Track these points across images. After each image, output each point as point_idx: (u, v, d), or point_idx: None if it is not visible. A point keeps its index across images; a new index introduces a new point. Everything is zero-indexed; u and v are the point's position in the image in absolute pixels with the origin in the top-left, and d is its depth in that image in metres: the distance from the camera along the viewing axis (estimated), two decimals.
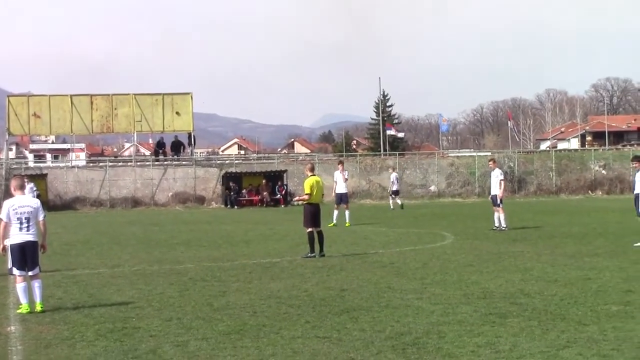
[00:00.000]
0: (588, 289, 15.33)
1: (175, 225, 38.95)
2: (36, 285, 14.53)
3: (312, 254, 22.39)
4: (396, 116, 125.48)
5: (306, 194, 23.03)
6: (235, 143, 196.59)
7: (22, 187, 15.15)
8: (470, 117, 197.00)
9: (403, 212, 44.93)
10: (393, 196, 49.86)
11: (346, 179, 36.66)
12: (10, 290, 16.87)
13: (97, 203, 60.54)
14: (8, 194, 18.47)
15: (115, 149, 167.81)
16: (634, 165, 25.10)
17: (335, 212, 35.46)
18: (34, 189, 50.66)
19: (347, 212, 35.55)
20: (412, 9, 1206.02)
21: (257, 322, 12.87)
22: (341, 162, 39.11)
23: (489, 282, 16.56)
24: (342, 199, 35.90)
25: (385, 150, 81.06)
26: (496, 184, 30.84)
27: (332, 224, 34.17)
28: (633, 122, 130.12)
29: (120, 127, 65.58)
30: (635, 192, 24.37)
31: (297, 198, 27.46)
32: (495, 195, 30.62)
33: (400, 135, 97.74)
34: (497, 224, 30.44)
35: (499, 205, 30.44)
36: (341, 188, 35.96)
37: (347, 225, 34.48)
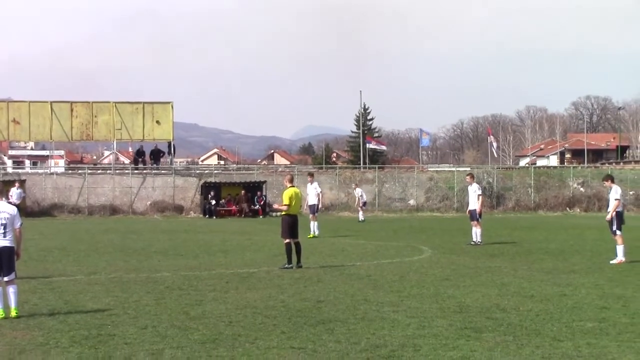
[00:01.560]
0: (564, 305, 15.39)
1: (153, 234, 38.83)
2: (11, 290, 14.44)
3: (290, 265, 22.38)
4: (377, 129, 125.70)
5: (285, 205, 23.05)
6: (215, 153, 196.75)
7: (0, 193, 15.06)
8: (451, 132, 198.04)
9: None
10: (363, 208, 51.64)
11: (318, 194, 37.19)
12: None
13: (75, 210, 60.38)
14: None
15: (94, 157, 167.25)
16: (606, 184, 25.27)
17: (312, 223, 35.83)
18: (23, 195, 50.93)
19: (315, 223, 36.14)
20: (394, 25, 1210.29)
21: (233, 332, 12.84)
22: (311, 174, 39.79)
23: (465, 297, 16.59)
24: (312, 209, 36.70)
25: (365, 163, 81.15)
26: (474, 199, 31.02)
27: (311, 236, 34.43)
28: (612, 140, 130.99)
29: (100, 134, 65.34)
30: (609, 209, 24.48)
31: (275, 205, 27.44)
32: (474, 209, 30.77)
33: (383, 147, 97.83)
34: (474, 239, 30.60)
35: (477, 220, 30.61)
36: (312, 199, 36.87)
37: (309, 236, 34.37)
